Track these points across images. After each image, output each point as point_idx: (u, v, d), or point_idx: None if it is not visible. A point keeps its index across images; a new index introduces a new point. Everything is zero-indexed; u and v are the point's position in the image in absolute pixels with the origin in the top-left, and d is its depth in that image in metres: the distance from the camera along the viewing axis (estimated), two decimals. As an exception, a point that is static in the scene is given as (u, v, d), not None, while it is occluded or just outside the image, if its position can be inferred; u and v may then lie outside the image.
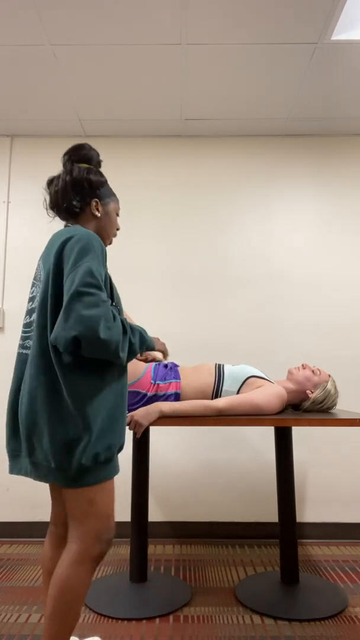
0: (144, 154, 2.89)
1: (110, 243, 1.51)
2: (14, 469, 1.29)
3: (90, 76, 2.35)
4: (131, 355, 1.27)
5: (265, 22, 2.00)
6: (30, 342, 1.29)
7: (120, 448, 1.27)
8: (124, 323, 1.24)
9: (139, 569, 1.94)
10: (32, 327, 1.30)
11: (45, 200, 1.46)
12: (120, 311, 1.37)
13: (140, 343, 1.29)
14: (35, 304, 1.31)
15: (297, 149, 2.89)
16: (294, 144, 2.89)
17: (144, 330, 1.34)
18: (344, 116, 2.69)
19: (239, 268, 2.78)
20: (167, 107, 2.60)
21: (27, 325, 1.36)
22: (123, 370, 1.31)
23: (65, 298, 1.17)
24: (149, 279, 2.77)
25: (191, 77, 2.36)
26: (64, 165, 1.44)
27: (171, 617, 1.74)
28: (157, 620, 1.72)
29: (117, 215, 1.50)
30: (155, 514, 2.58)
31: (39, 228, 2.81)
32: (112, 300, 1.32)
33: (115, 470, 1.26)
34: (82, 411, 1.18)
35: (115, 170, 2.87)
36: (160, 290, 2.76)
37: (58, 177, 1.42)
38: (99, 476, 1.21)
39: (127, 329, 1.25)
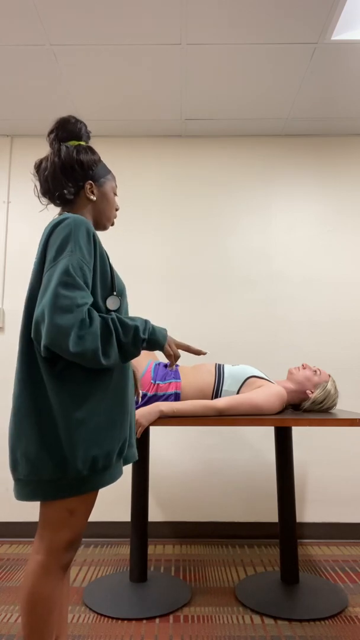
0: (144, 154, 2.89)
1: (112, 224, 1.40)
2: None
3: (90, 76, 2.35)
4: (126, 356, 1.14)
5: (265, 22, 2.00)
6: None
7: (121, 453, 1.17)
8: (107, 323, 1.10)
9: (139, 569, 1.94)
10: None
11: (35, 187, 1.31)
12: (122, 298, 1.25)
13: (134, 340, 1.14)
14: None
15: (297, 149, 2.89)
16: (294, 144, 2.89)
17: (146, 325, 1.18)
18: (344, 116, 2.69)
19: (239, 268, 2.78)
20: (167, 107, 2.60)
21: None
22: (121, 368, 1.20)
23: (41, 298, 1.09)
24: (149, 278, 2.77)
25: (191, 77, 2.36)
26: (51, 145, 1.30)
27: (171, 617, 1.74)
28: (157, 620, 1.72)
29: (115, 194, 1.38)
30: (155, 514, 2.58)
31: (39, 228, 2.81)
32: (113, 289, 1.20)
33: (112, 477, 1.15)
34: (73, 415, 1.08)
35: (115, 171, 2.87)
36: (160, 290, 2.76)
37: (47, 159, 1.28)
38: (95, 484, 1.11)
39: (113, 329, 1.11)
